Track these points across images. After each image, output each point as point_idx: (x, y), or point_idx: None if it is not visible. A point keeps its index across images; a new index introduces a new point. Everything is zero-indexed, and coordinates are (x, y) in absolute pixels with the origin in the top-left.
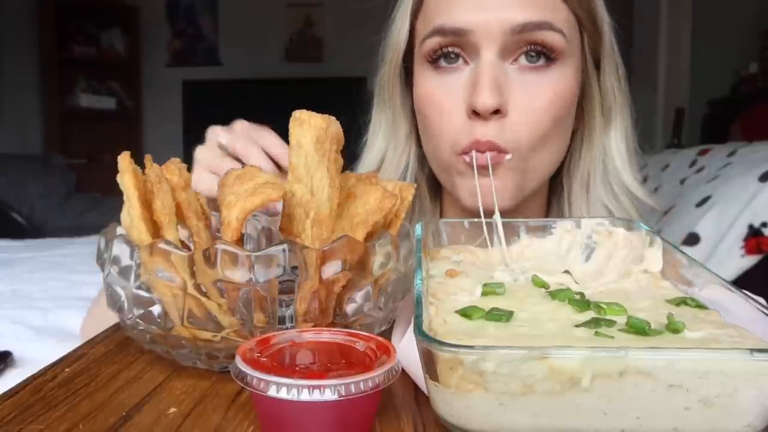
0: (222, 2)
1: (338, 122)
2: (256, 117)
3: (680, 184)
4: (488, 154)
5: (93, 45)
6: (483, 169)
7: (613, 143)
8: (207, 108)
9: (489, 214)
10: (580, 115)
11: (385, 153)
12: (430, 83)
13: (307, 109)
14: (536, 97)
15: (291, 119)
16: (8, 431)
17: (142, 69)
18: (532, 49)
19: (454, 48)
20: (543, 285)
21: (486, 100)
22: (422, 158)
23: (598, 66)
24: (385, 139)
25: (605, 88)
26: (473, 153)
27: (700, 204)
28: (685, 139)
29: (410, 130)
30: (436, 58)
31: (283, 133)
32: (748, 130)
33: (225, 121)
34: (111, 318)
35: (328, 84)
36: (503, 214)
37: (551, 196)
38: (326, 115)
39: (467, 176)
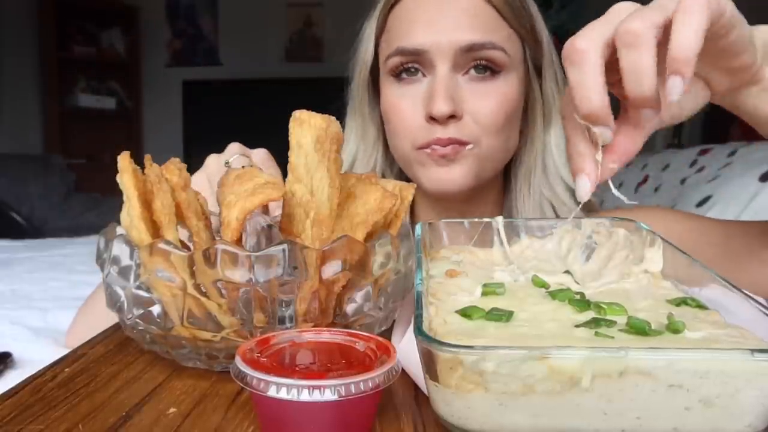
0: (222, 2)
1: (338, 122)
2: (256, 117)
3: (680, 183)
4: (449, 147)
5: (93, 45)
6: (441, 159)
7: (553, 140)
8: (207, 108)
9: (449, 198)
10: (525, 117)
11: (356, 155)
12: (394, 93)
13: (307, 109)
14: (486, 102)
15: (291, 119)
16: (8, 431)
17: (142, 69)
18: (479, 64)
19: (413, 64)
20: (543, 285)
21: (441, 107)
22: (391, 159)
23: (539, 74)
24: (355, 143)
25: (546, 92)
26: (438, 148)
27: (700, 204)
28: (685, 138)
29: (378, 135)
30: (398, 73)
31: (284, 133)
32: (748, 130)
33: (225, 121)
34: (97, 327)
35: (328, 84)
36: (465, 198)
37: (505, 187)
38: (326, 115)
39: (426, 166)
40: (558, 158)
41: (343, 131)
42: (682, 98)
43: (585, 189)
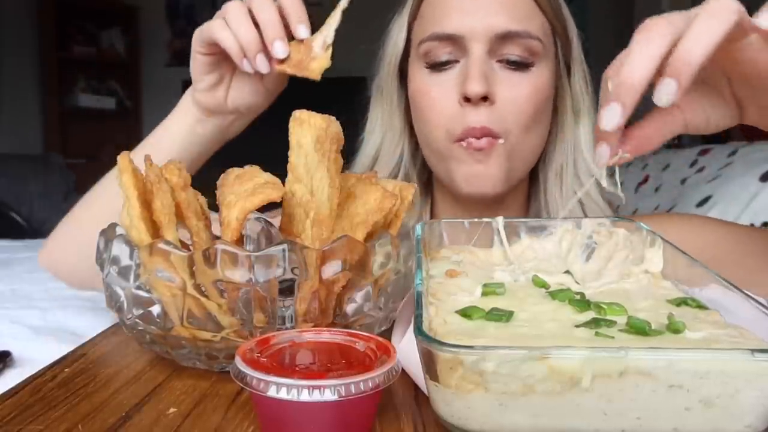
0: (222, 2)
1: (338, 122)
2: (255, 117)
3: (681, 183)
4: (483, 140)
5: (93, 45)
6: (478, 153)
7: (582, 138)
8: None
9: (481, 199)
10: (554, 113)
11: (380, 146)
12: (425, 79)
13: (307, 109)
14: (518, 90)
15: (291, 119)
16: (8, 431)
17: (141, 69)
18: (513, 52)
19: (446, 48)
20: (543, 285)
21: (476, 87)
22: (414, 151)
23: (568, 71)
24: (381, 133)
25: (575, 90)
26: (473, 141)
27: (700, 204)
28: (685, 138)
29: (404, 125)
30: (431, 58)
31: (284, 133)
32: (748, 130)
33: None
34: (77, 237)
35: (328, 84)
36: (493, 200)
37: (530, 190)
38: (326, 115)
39: (463, 162)
40: (588, 156)
41: (366, 126)
42: (711, 112)
43: (604, 156)
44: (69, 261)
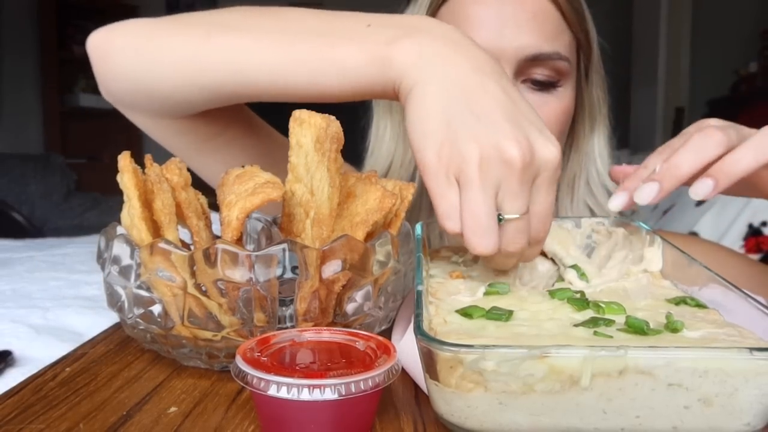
0: (222, 2)
1: (338, 122)
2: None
3: None
4: None
5: None
6: None
7: (596, 149)
8: None
9: None
10: (571, 125)
11: (393, 155)
12: None
13: (307, 109)
14: (544, 112)
15: (291, 119)
16: (9, 431)
17: None
18: (541, 73)
19: None
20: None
21: None
22: None
23: (586, 78)
24: (393, 142)
25: (592, 99)
26: None
27: (699, 203)
28: None
29: None
30: None
31: (284, 132)
32: None
33: None
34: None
35: None
36: None
37: None
38: (326, 115)
39: None
40: (601, 166)
41: (371, 128)
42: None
43: (620, 204)
44: (130, 55)
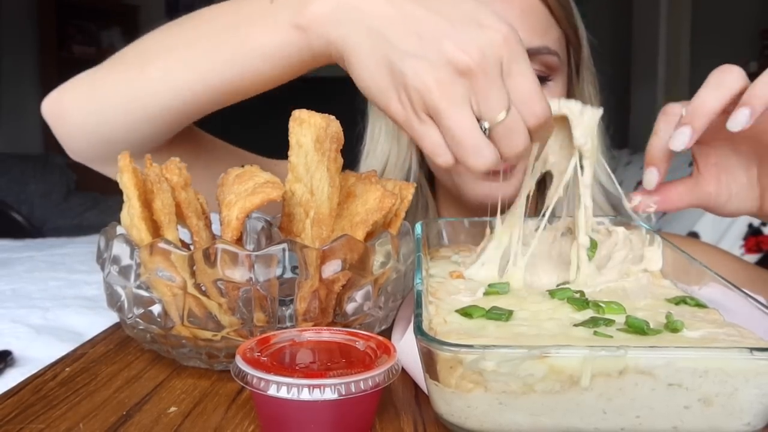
0: (221, 1)
1: (338, 121)
2: (255, 116)
3: None
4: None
5: (93, 44)
6: (493, 175)
7: None
8: None
9: (492, 212)
10: None
11: (388, 158)
12: None
13: (307, 109)
14: None
15: (291, 119)
16: (9, 430)
17: None
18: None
19: None
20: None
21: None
22: (422, 160)
23: (578, 75)
24: (387, 144)
25: (583, 95)
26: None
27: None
28: None
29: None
30: None
31: (284, 132)
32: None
33: (224, 120)
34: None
35: (328, 84)
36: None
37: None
38: (326, 115)
39: (472, 180)
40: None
41: (366, 130)
42: (735, 193)
43: (653, 179)
44: (80, 110)
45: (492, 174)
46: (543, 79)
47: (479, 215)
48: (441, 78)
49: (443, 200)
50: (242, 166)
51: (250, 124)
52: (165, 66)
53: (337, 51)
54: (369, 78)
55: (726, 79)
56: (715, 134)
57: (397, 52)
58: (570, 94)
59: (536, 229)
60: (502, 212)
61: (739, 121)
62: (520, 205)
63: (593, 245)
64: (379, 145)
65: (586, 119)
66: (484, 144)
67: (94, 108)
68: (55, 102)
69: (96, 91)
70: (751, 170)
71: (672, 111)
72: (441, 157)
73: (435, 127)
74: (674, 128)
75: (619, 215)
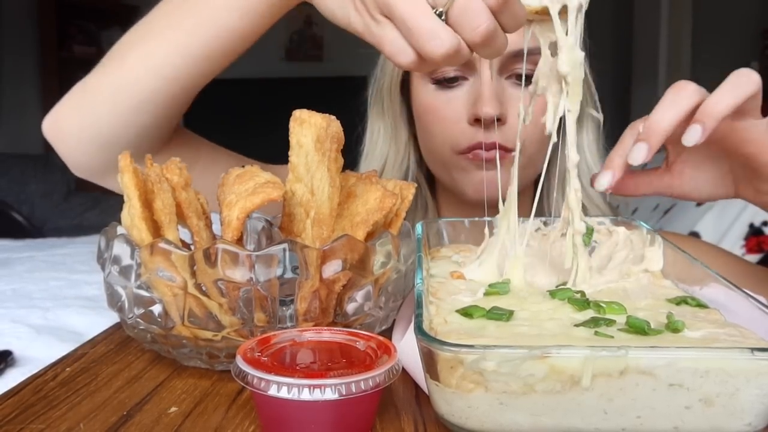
0: None
1: (338, 121)
2: (256, 116)
3: None
4: (496, 151)
5: (93, 44)
6: (488, 163)
7: (586, 143)
8: (206, 107)
9: (490, 205)
10: None
11: (387, 157)
12: (430, 96)
13: (308, 109)
14: (530, 107)
15: (291, 118)
16: (9, 430)
17: None
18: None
19: (454, 69)
20: None
21: (489, 110)
22: (421, 160)
23: None
24: (386, 144)
25: None
26: (481, 152)
27: (699, 203)
28: None
29: (409, 136)
30: (437, 74)
31: (284, 132)
32: None
33: (224, 120)
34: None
35: (328, 84)
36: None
37: (534, 193)
38: (326, 115)
39: (469, 171)
40: (591, 160)
41: (366, 132)
42: (703, 184)
43: (605, 182)
44: (73, 119)
45: (486, 162)
46: None
47: (479, 215)
48: None
49: (443, 200)
50: (243, 167)
51: (250, 123)
52: (142, 51)
53: None
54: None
55: (680, 96)
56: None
57: None
58: None
59: (537, 230)
60: (503, 198)
61: (692, 138)
62: (511, 192)
63: (589, 231)
64: (377, 147)
65: (571, 40)
66: (439, 26)
67: (85, 112)
68: (52, 118)
69: (85, 96)
70: (721, 162)
71: (637, 126)
72: (401, 54)
73: (392, 26)
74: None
75: (616, 213)
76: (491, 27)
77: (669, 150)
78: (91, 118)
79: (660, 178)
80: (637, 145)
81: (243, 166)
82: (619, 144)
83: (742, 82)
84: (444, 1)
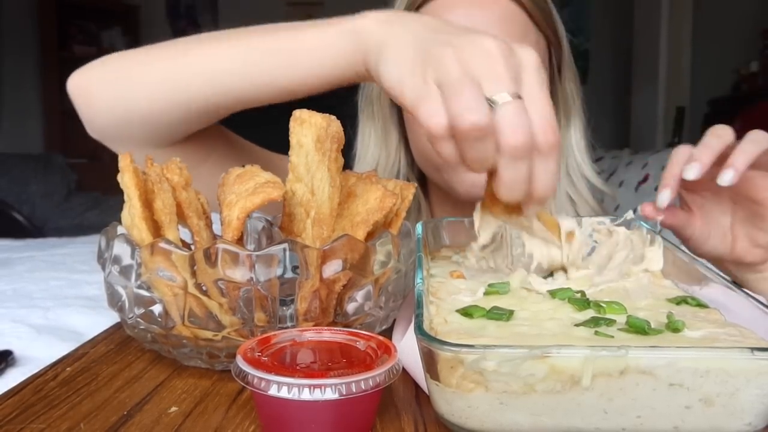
0: (222, 1)
1: (338, 121)
2: (256, 116)
3: None
4: None
5: (93, 44)
6: None
7: (573, 140)
8: None
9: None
10: None
11: (378, 161)
12: None
13: (307, 109)
14: None
15: (291, 118)
16: (9, 430)
17: None
18: None
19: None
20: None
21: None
22: (412, 161)
23: (559, 74)
24: (377, 147)
25: (566, 92)
26: None
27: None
28: (686, 137)
29: (399, 138)
30: None
31: (284, 132)
32: (749, 129)
33: (224, 120)
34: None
35: None
36: None
37: None
38: (326, 115)
39: (459, 171)
40: (579, 157)
41: (357, 136)
42: (713, 235)
43: (665, 198)
44: (108, 89)
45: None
46: None
47: (471, 213)
48: (464, 53)
49: (435, 200)
50: (243, 166)
51: (250, 123)
52: (209, 51)
53: (375, 51)
54: (400, 65)
55: (722, 133)
56: (703, 185)
57: (432, 38)
58: (553, 92)
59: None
60: None
61: (727, 178)
62: None
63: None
64: (369, 151)
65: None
66: (482, 104)
67: (125, 85)
68: (82, 77)
69: (128, 69)
70: (726, 219)
71: (682, 151)
72: (436, 117)
73: (439, 94)
74: (685, 163)
75: (602, 208)
76: (526, 143)
77: (687, 199)
78: (126, 100)
79: (690, 219)
80: (692, 163)
81: (243, 166)
82: (670, 166)
83: (759, 138)
84: (495, 91)
